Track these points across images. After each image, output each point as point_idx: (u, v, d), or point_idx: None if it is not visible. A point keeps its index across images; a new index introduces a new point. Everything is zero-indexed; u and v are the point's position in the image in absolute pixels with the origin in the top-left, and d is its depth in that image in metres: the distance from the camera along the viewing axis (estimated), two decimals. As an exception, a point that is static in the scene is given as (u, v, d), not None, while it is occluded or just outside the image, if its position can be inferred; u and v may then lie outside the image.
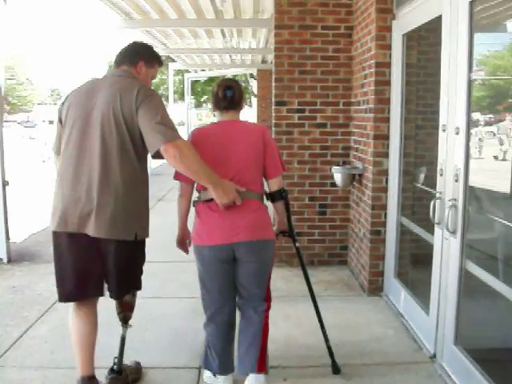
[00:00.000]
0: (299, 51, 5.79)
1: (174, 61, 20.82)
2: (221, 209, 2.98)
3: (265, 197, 3.25)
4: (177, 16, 10.49)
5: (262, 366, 3.18)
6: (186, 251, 3.44)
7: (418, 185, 4.96)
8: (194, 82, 30.73)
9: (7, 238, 6.47)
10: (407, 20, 4.50)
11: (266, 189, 3.28)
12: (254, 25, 10.91)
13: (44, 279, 5.68)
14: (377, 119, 4.93)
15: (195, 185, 3.13)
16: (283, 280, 5.62)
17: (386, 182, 4.97)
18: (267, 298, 3.27)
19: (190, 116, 23.95)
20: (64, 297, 3.07)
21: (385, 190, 4.99)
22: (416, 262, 5.06)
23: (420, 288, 4.60)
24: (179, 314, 4.76)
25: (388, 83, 4.88)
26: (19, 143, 30.51)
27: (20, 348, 4.04)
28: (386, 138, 4.92)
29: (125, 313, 3.28)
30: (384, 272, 5.11)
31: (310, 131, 5.89)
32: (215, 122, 3.31)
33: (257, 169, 3.12)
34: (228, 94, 3.14)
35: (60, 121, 3.07)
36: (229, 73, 23.57)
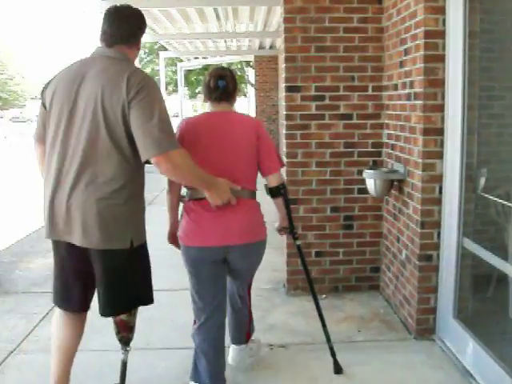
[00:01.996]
0: (316, 22, 4.52)
1: (165, 49, 19.57)
2: (213, 207, 2.85)
3: (265, 191, 3.18)
4: (164, -6, 9.21)
5: (248, 336, 3.58)
6: (178, 246, 3.14)
7: (489, 196, 3.71)
8: (188, 73, 29.45)
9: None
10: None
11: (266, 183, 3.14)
12: (251, 2, 9.58)
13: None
14: (427, 108, 3.68)
15: None
16: (302, 316, 4.41)
17: (440, 191, 3.73)
18: (249, 285, 3.47)
19: (184, 107, 22.76)
20: (53, 300, 2.97)
21: (438, 201, 3.75)
22: (487, 299, 3.82)
23: (497, 336, 3.38)
24: (170, 374, 3.56)
25: (441, 59, 3.63)
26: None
27: None
28: (440, 132, 3.68)
29: (122, 334, 2.95)
30: (437, 309, 3.87)
31: (331, 124, 4.65)
32: (206, 112, 3.13)
33: (249, 164, 2.99)
34: (220, 85, 2.99)
35: (44, 106, 2.78)
36: (224, 60, 22.36)
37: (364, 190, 4.67)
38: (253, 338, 3.67)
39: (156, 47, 27.13)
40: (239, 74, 32.57)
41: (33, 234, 7.54)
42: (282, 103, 4.77)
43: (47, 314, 4.56)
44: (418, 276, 3.86)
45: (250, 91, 31.98)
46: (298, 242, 3.47)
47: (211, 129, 2.96)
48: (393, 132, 4.39)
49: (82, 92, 2.62)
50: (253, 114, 19.36)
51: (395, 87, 4.30)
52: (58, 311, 2.98)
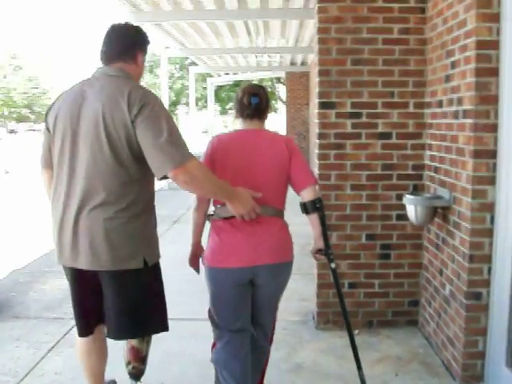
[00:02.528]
0: (353, 32, 4.16)
1: (195, 64, 19.42)
2: (238, 218, 2.74)
3: (300, 209, 2.97)
4: (193, 7, 8.94)
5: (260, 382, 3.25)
6: (198, 269, 3.13)
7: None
8: (219, 89, 29.36)
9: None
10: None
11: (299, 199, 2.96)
12: (283, 16, 9.26)
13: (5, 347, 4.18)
14: (478, 127, 3.27)
15: (212, 199, 2.91)
16: (333, 355, 4.01)
17: (492, 221, 3.30)
18: (271, 330, 3.20)
19: (214, 124, 22.58)
20: (78, 333, 2.88)
21: (489, 233, 3.32)
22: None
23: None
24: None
25: (495, 72, 3.22)
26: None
27: None
28: (493, 155, 3.26)
29: (133, 364, 2.87)
30: (487, 354, 3.43)
31: (368, 144, 4.26)
32: (237, 129, 3.06)
33: (280, 183, 2.90)
34: (253, 102, 2.94)
35: (48, 129, 2.73)
36: (255, 77, 22.21)
37: (403, 217, 4.26)
38: None
39: (186, 63, 27.07)
40: (269, 90, 32.43)
41: (51, 252, 7.24)
42: (315, 120, 4.40)
43: (57, 343, 4.25)
44: (464, 315, 3.43)
45: (281, 108, 31.77)
46: (333, 265, 3.10)
47: (242, 146, 2.90)
48: (436, 153, 3.98)
49: (83, 112, 2.57)
50: (283, 131, 19.06)
51: (439, 104, 3.89)
52: (79, 340, 2.90)
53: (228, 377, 2.89)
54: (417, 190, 4.21)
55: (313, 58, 15.77)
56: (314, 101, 4.44)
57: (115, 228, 2.56)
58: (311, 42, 13.12)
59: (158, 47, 14.77)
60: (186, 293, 5.28)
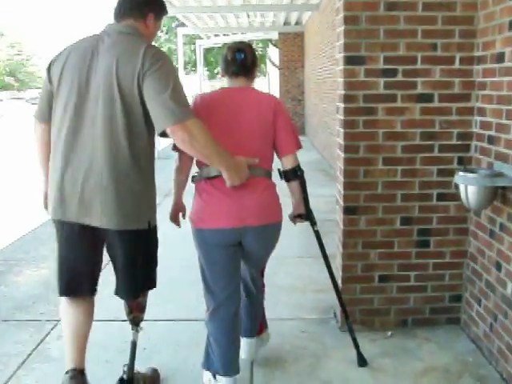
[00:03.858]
0: (386, -30, 3.34)
1: (184, 25, 18.40)
2: (228, 186, 2.67)
3: (279, 176, 2.96)
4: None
5: (260, 330, 3.35)
6: (179, 225, 3.13)
7: None
8: (207, 52, 28.30)
9: None
10: None
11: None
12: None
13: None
14: None
15: (195, 158, 2.78)
16: (367, 367, 3.26)
17: None
18: (263, 271, 3.25)
19: (203, 89, 21.63)
20: (59, 291, 2.80)
21: None
22: None
23: None
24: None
25: None
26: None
27: None
28: None
29: (134, 314, 2.90)
30: None
31: (404, 108, 3.47)
32: (222, 87, 3.04)
33: (266, 143, 2.83)
34: (238, 57, 2.86)
35: (50, 81, 2.65)
36: (246, 38, 21.17)
37: (446, 196, 3.54)
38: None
39: (174, 25, 25.99)
40: (261, 52, 31.37)
41: (28, 234, 6.47)
42: (339, 79, 3.60)
43: (28, 356, 3.49)
44: (537, 324, 2.71)
45: (271, 71, 30.78)
46: (317, 228, 3.16)
47: (227, 105, 2.83)
48: (492, 120, 3.21)
49: (94, 66, 2.54)
50: (276, 95, 18.20)
51: (497, 58, 3.11)
52: (65, 300, 2.83)
53: (215, 346, 2.91)
54: (463, 164, 3.45)
55: (308, 16, 14.88)
56: (337, 55, 3.63)
57: (126, 188, 2.55)
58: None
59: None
60: (181, 285, 4.57)
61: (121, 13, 2.69)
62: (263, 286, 3.29)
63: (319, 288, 4.45)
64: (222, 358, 2.90)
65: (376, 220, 3.59)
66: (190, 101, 2.73)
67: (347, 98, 3.44)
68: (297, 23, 17.21)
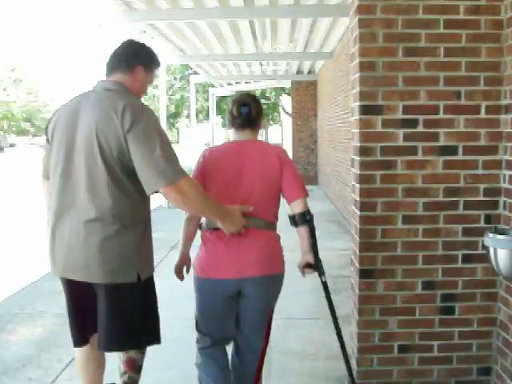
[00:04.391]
0: (405, 12, 3.10)
1: (196, 73, 18.44)
2: (227, 234, 2.74)
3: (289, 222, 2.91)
4: (192, 5, 7.91)
5: None
6: (182, 278, 3.10)
7: None
8: (220, 100, 28.41)
9: None
10: None
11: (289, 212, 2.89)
12: (293, 13, 8.22)
13: None
14: None
15: None
16: None
17: None
18: (266, 336, 3.00)
19: (215, 136, 21.59)
20: (74, 342, 2.86)
21: None
22: None
23: None
24: None
25: None
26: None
27: None
28: None
29: (128, 374, 2.83)
30: None
31: (426, 161, 3.19)
32: (229, 141, 3.11)
33: (271, 195, 2.86)
34: (243, 112, 2.91)
35: (47, 141, 2.76)
36: (258, 86, 21.24)
37: (472, 258, 3.22)
38: None
39: (187, 73, 26.15)
40: (273, 101, 31.45)
41: (28, 288, 6.17)
42: (353, 130, 3.34)
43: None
44: None
45: (285, 119, 30.83)
46: (324, 279, 2.99)
47: (232, 159, 2.88)
48: (523, 174, 2.91)
49: (78, 126, 2.58)
50: (288, 143, 18.10)
51: (528, 107, 2.83)
52: (76, 351, 2.89)
53: (208, 381, 2.96)
54: (491, 223, 3.14)
55: (322, 64, 14.81)
56: (352, 104, 3.37)
57: (109, 242, 2.56)
58: (321, 46, 12.13)
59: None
60: (183, 342, 4.23)
61: (109, 67, 2.74)
62: (262, 359, 3.02)
63: (333, 354, 4.06)
64: None
65: (395, 284, 3.26)
66: (198, 154, 2.94)
67: (363, 151, 3.16)
68: (309, 72, 17.15)
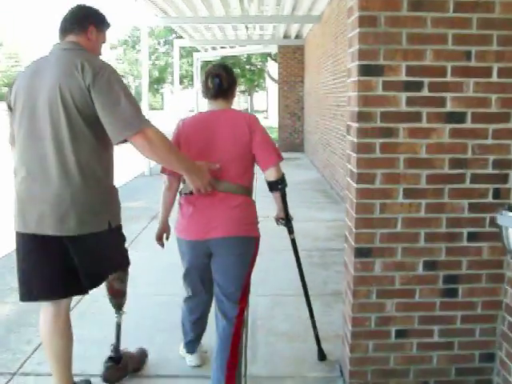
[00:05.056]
0: (411, -40, 2.75)
1: (180, 37, 17.90)
2: (195, 193, 2.91)
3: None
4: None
5: (229, 381, 2.96)
6: (163, 245, 3.36)
7: None
8: (205, 65, 27.82)
9: None
10: None
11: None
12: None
13: None
14: None
15: (182, 177, 2.99)
16: None
17: None
18: (241, 301, 3.06)
19: (200, 103, 21.10)
20: (27, 297, 2.86)
21: None
22: None
23: None
24: None
25: None
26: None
27: None
28: None
29: (116, 299, 3.21)
30: None
31: (430, 129, 2.86)
32: (202, 111, 3.25)
33: (243, 161, 2.99)
34: (215, 83, 3.05)
35: (9, 107, 2.83)
36: (244, 51, 20.73)
37: (478, 236, 2.94)
38: None
39: (172, 38, 25.52)
40: (259, 67, 30.87)
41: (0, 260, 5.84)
42: (350, 93, 3.00)
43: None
44: None
45: (270, 86, 30.32)
46: (293, 237, 3.37)
47: (204, 129, 3.01)
48: (540, 144, 2.61)
49: (41, 85, 2.63)
50: (274, 110, 17.70)
51: (548, 69, 2.51)
52: (42, 316, 2.91)
53: (183, 322, 3.42)
54: (500, 198, 2.85)
55: (309, 28, 14.36)
56: (350, 64, 3.04)
57: (80, 194, 2.65)
58: (309, 9, 11.69)
59: (138, 16, 13.25)
60: (162, 327, 3.95)
61: (63, 30, 2.81)
62: (239, 315, 3.05)
63: (323, 335, 3.78)
64: (185, 339, 3.44)
65: (394, 264, 2.97)
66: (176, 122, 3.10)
67: (362, 116, 2.83)
68: (297, 36, 16.68)
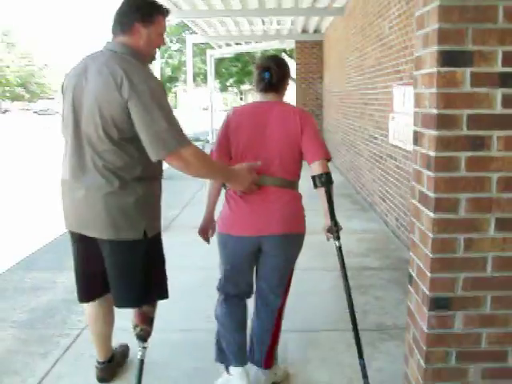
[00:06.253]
0: None
1: (194, 33, 17.21)
2: (239, 194, 2.91)
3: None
4: None
5: (268, 362, 3.13)
6: (208, 241, 3.25)
7: None
8: (219, 63, 27.14)
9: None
10: None
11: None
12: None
13: None
14: None
15: None
16: None
17: None
18: (283, 295, 3.12)
19: (214, 101, 20.43)
20: (78, 298, 3.08)
21: None
22: None
23: None
24: None
25: None
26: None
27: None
28: None
29: (140, 327, 2.93)
30: None
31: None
32: (254, 101, 3.21)
33: (292, 155, 2.95)
34: (265, 76, 3.01)
35: (63, 99, 2.82)
36: (259, 48, 19.99)
37: None
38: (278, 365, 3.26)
39: (184, 35, 24.87)
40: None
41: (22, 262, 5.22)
42: (423, 90, 2.25)
43: None
44: None
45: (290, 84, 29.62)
46: (338, 244, 2.91)
47: (255, 118, 2.98)
48: None
49: (84, 93, 2.63)
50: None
51: None
52: (85, 306, 3.13)
53: (223, 333, 3.09)
54: None
55: (329, 23, 13.63)
56: (423, 51, 2.29)
57: (112, 198, 2.63)
58: (331, 1, 10.94)
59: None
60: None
61: (113, 30, 2.72)
62: (280, 315, 3.14)
63: (383, 380, 3.07)
64: (231, 347, 3.07)
65: (481, 319, 2.22)
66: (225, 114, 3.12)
67: (442, 121, 2.08)
68: (316, 31, 15.92)
